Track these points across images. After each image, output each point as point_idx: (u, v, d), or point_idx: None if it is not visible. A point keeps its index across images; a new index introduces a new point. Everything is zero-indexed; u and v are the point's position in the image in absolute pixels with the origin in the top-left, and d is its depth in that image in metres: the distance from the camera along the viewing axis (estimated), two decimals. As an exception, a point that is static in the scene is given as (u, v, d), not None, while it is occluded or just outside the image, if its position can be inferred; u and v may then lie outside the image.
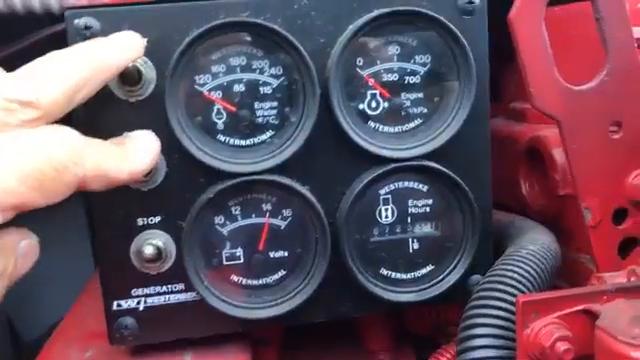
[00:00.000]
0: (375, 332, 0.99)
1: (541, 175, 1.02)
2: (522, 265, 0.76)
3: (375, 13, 0.76)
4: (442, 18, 0.77)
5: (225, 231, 0.80)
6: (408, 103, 0.81)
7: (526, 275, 0.75)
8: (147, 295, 0.80)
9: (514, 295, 0.72)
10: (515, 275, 0.75)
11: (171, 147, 0.76)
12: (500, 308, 0.71)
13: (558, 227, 1.00)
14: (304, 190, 0.79)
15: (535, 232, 0.89)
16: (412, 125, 0.82)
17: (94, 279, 0.81)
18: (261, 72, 0.78)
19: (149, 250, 0.76)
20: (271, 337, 0.97)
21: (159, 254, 0.77)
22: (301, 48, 0.75)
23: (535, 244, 0.82)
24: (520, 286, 0.74)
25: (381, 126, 0.81)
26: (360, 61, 0.80)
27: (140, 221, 0.78)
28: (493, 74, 0.86)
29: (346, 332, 1.01)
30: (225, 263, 0.81)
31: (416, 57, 0.80)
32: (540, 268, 0.78)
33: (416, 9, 0.77)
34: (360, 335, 1.01)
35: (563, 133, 0.85)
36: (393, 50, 0.80)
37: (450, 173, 0.81)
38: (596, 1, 0.86)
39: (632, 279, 0.76)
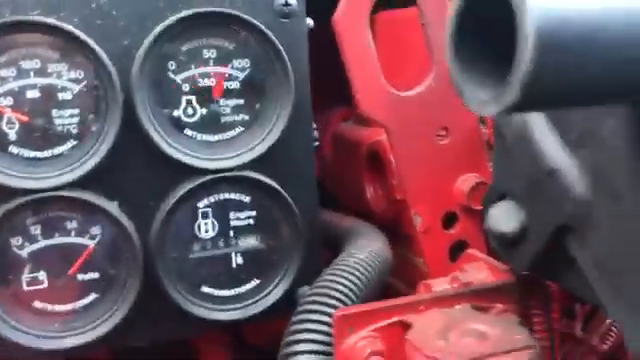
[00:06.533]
0: (212, 349, 0.94)
1: (383, 179, 1.01)
2: (346, 275, 0.74)
3: (183, 14, 0.71)
4: (255, 21, 0.73)
5: (24, 253, 0.72)
6: (228, 110, 0.77)
7: (350, 285, 0.73)
8: None
9: (337, 308, 0.70)
10: (338, 286, 0.72)
11: None
12: (321, 322, 0.68)
13: (398, 231, 1.00)
14: (109, 206, 0.72)
15: (367, 238, 0.87)
16: (233, 133, 0.77)
17: None
18: (59, 76, 0.70)
19: None
20: (99, 362, 0.90)
21: (-59, 284, 0.68)
22: (98, 50, 0.69)
23: (364, 251, 0.80)
24: (343, 297, 0.71)
25: (199, 134, 0.76)
26: (172, 65, 0.74)
27: None
28: (345, 77, 0.84)
29: (184, 349, 0.96)
30: (26, 288, 0.73)
31: (234, 61, 0.76)
32: (366, 277, 0.76)
33: (226, 11, 0.73)
34: (197, 352, 0.95)
35: (390, 139, 0.85)
36: (209, 54, 0.75)
37: (271, 183, 0.77)
38: (421, 6, 0.85)
39: (454, 285, 0.76)
